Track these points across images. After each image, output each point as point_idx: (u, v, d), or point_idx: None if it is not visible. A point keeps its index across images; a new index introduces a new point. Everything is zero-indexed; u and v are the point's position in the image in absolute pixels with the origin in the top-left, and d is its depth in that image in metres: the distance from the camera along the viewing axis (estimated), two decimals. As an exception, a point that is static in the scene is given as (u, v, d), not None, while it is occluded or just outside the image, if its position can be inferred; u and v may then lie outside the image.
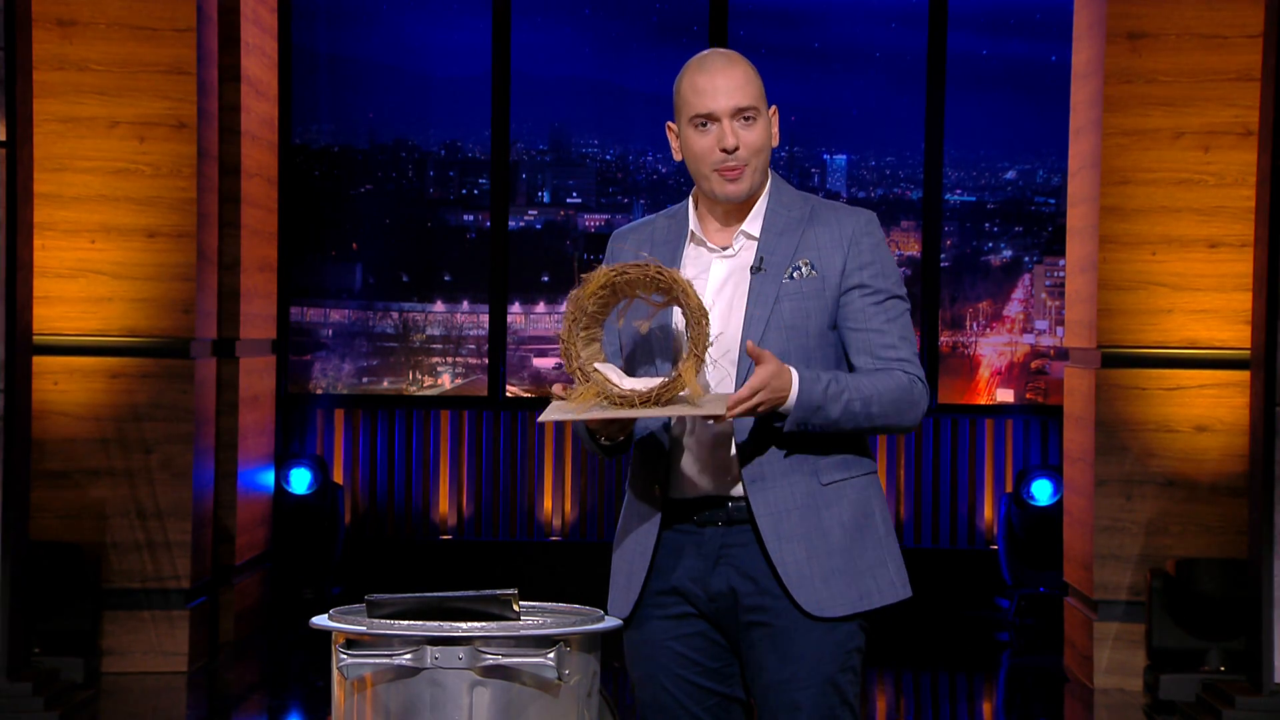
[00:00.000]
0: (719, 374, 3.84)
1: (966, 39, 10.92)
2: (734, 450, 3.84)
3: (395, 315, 11.07)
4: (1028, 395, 11.00)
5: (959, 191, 11.07)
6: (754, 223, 3.91)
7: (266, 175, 9.75)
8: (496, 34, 10.86)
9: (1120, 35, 8.34)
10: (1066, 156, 9.34)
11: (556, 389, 3.81)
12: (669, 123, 3.96)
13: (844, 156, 11.15)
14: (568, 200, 11.21)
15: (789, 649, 3.83)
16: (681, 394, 3.69)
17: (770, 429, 3.82)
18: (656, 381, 3.72)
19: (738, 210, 3.92)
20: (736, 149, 3.85)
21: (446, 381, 11.06)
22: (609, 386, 3.73)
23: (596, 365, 3.78)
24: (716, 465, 3.86)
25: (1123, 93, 8.34)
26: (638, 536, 3.91)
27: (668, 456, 3.88)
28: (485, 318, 10.96)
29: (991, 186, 11.11)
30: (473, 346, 11.03)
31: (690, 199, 3.98)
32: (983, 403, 10.95)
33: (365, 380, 11.02)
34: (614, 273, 3.74)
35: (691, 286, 3.70)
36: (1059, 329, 10.87)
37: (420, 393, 11.01)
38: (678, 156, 3.95)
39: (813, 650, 3.83)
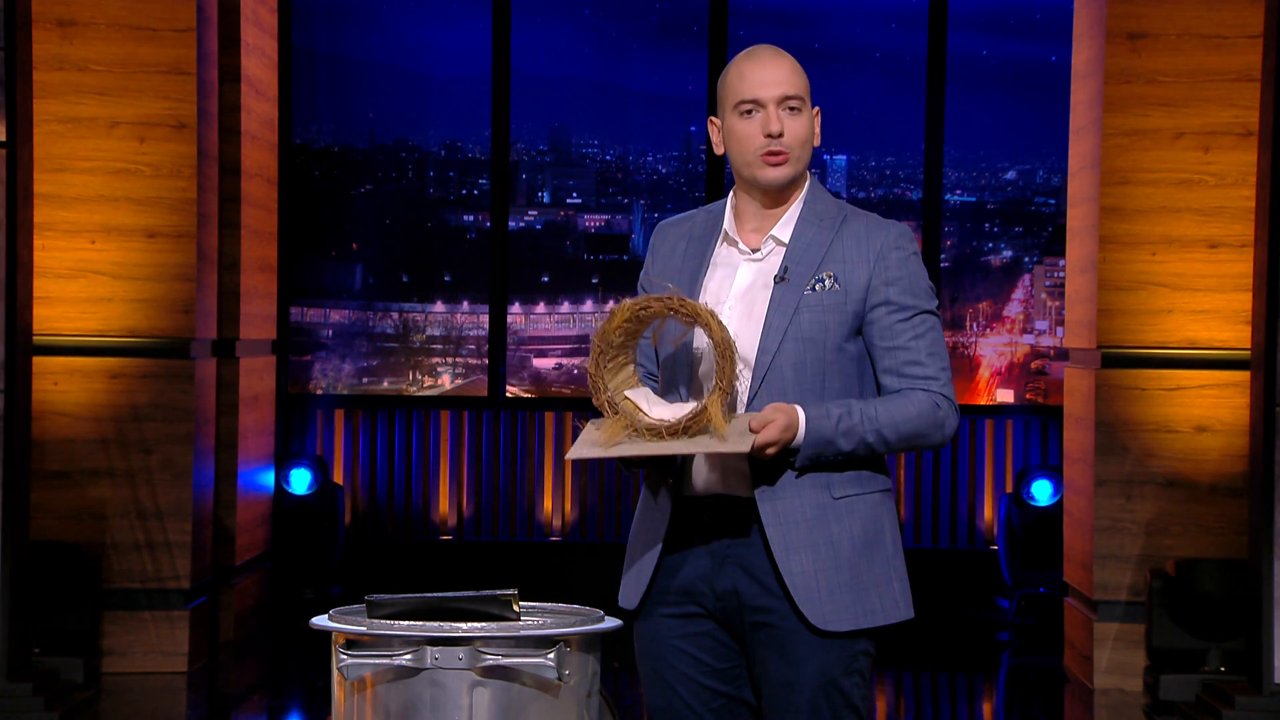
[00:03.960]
0: (740, 370, 3.85)
1: (966, 39, 10.92)
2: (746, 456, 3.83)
3: (395, 315, 11.07)
4: (1028, 395, 11.00)
5: (959, 192, 11.07)
6: (785, 228, 3.91)
7: (266, 175, 9.75)
8: (496, 34, 10.86)
9: (1120, 35, 8.34)
10: (1066, 157, 9.34)
11: (587, 426, 3.82)
12: (711, 118, 3.96)
13: (844, 157, 11.16)
14: (568, 201, 11.21)
15: (793, 651, 3.82)
16: (708, 426, 3.70)
17: None
18: (683, 411, 3.74)
19: (772, 211, 3.92)
20: (781, 134, 3.85)
21: (446, 382, 11.06)
22: (638, 416, 3.76)
23: (626, 393, 3.80)
24: (728, 466, 3.85)
25: (1123, 93, 8.34)
26: (651, 529, 3.91)
27: (680, 458, 3.89)
28: (485, 318, 10.96)
29: (991, 187, 11.11)
30: (473, 347, 11.03)
31: (730, 196, 3.99)
32: (983, 403, 10.95)
33: (365, 380, 11.02)
34: (638, 306, 3.76)
35: (716, 318, 3.71)
36: (1059, 329, 10.87)
37: (420, 393, 11.01)
38: (719, 150, 3.95)
39: (817, 653, 3.82)
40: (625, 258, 11.18)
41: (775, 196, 3.92)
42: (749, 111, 3.88)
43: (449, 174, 11.13)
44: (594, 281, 11.11)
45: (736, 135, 3.89)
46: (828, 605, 3.80)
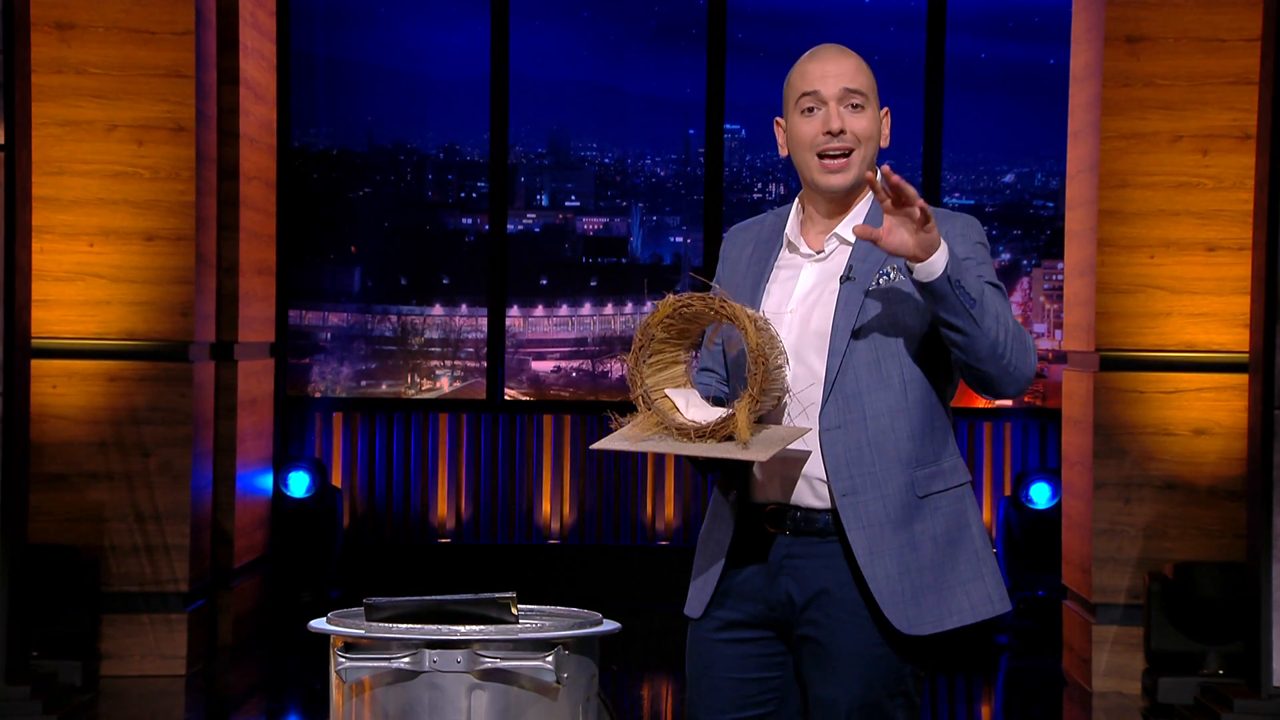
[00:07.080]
0: (806, 375, 3.75)
1: (965, 42, 10.93)
2: (819, 462, 3.74)
3: (394, 318, 11.07)
4: (1026, 398, 11.00)
5: (957, 194, 11.07)
6: (849, 227, 3.80)
7: (265, 178, 9.75)
8: (495, 37, 10.87)
9: (1118, 38, 8.34)
10: (1065, 160, 9.34)
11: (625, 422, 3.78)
12: (777, 119, 3.85)
13: (842, 159, 11.15)
14: (566, 203, 11.21)
15: (836, 669, 3.75)
16: (733, 433, 3.66)
17: (863, 440, 3.73)
18: (715, 416, 3.71)
19: (839, 210, 3.82)
20: (842, 131, 3.74)
21: (445, 384, 11.06)
22: (671, 416, 3.74)
23: (667, 391, 3.77)
24: (787, 475, 3.78)
25: (1121, 96, 8.35)
26: (717, 538, 3.86)
27: (746, 462, 3.80)
28: (484, 321, 10.96)
29: (990, 190, 11.11)
30: (471, 350, 11.03)
31: (797, 200, 3.89)
32: (981, 405, 10.95)
33: (364, 383, 11.02)
34: (680, 303, 3.72)
35: (754, 322, 3.64)
36: (1057, 332, 10.87)
37: (419, 396, 11.01)
38: (784, 151, 3.84)
39: (860, 673, 3.74)
40: (624, 260, 11.18)
41: (841, 201, 3.81)
42: (810, 109, 3.77)
43: (447, 177, 11.14)
44: (593, 284, 11.11)
45: (797, 133, 3.79)
46: (912, 609, 3.72)
